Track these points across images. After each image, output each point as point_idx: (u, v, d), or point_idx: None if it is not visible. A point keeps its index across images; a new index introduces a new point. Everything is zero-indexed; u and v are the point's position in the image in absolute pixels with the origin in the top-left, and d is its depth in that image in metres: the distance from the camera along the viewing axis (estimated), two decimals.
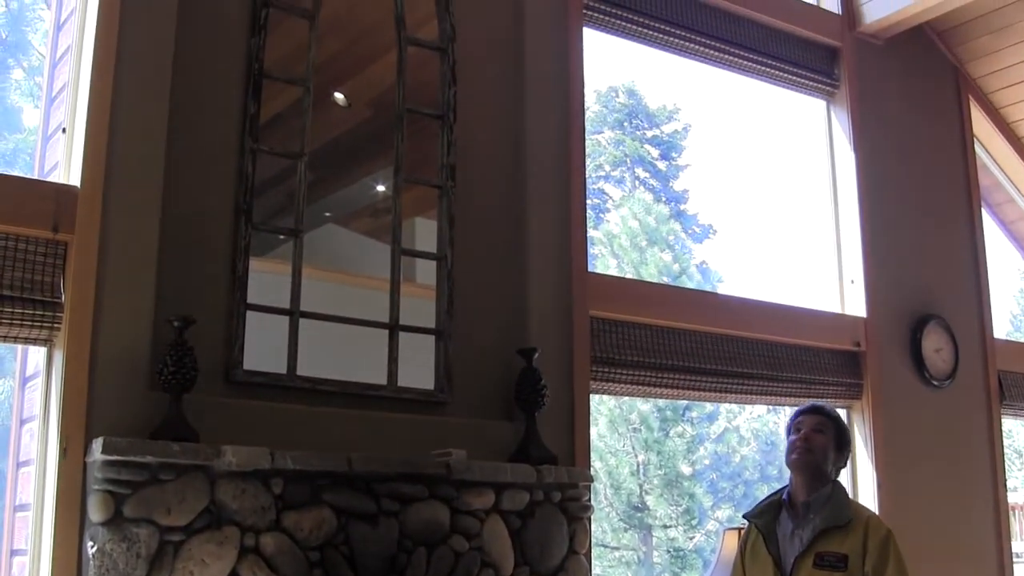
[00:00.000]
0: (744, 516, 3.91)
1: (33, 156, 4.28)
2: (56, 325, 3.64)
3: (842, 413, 5.95)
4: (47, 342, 3.69)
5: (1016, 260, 8.00)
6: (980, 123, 7.09)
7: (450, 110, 4.68)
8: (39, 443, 3.65)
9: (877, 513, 4.92)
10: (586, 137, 5.19)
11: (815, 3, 6.49)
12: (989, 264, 6.76)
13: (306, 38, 4.37)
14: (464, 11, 4.82)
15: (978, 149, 7.08)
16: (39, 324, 3.62)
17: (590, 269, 5.05)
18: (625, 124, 27.00)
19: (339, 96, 4.63)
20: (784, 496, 3.82)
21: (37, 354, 3.80)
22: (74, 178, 3.73)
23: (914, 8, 6.16)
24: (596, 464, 17.38)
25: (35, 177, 4.03)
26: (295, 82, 4.31)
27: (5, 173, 3.68)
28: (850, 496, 3.87)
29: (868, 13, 6.34)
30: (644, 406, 18.38)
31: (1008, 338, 11.07)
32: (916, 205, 6.46)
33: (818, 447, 3.73)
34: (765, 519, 3.80)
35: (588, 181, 5.15)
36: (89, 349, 3.60)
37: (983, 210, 6.95)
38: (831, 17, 6.40)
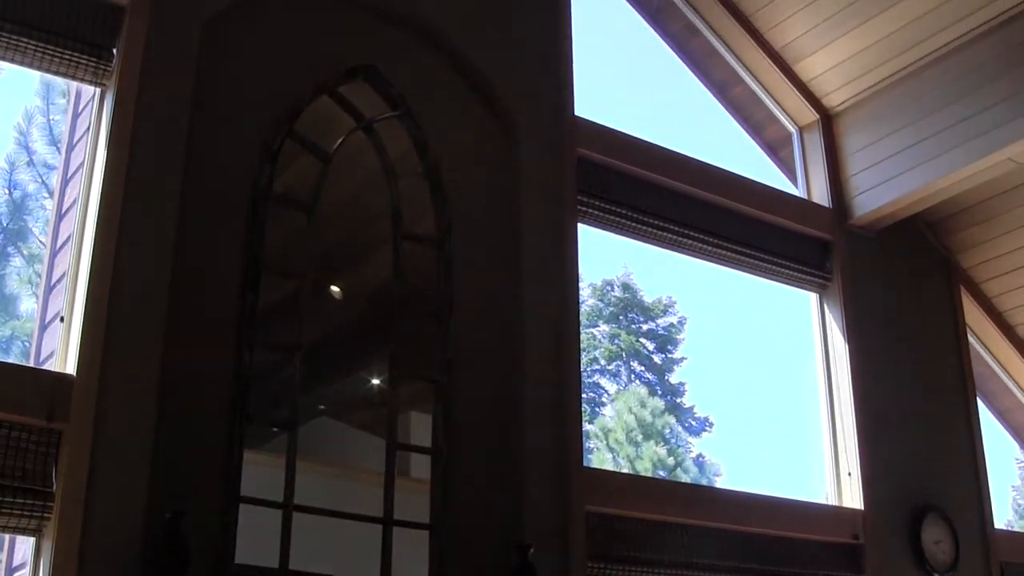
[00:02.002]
0: None
1: (30, 344, 4.30)
2: (46, 515, 3.58)
3: None
4: (36, 532, 3.63)
5: (1013, 449, 7.97)
6: (972, 313, 7.14)
7: (446, 304, 4.71)
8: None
9: None
10: (582, 331, 5.21)
11: (805, 197, 6.60)
12: (986, 454, 6.72)
13: (303, 229, 4.43)
14: (459, 206, 4.89)
15: (971, 338, 7.11)
16: (29, 514, 3.57)
17: (585, 464, 5.02)
18: (620, 318, 27.19)
19: (335, 289, 4.67)
20: None
21: (25, 544, 3.74)
22: (70, 367, 3.73)
23: (904, 200, 6.26)
24: None
25: (31, 365, 4.04)
26: (293, 275, 4.35)
27: (1, 360, 3.68)
28: None
29: (859, 206, 6.44)
30: None
31: (1009, 528, 10.96)
32: (911, 396, 6.46)
33: None
34: None
35: (584, 375, 5.15)
36: (79, 540, 3.54)
37: (978, 400, 6.94)
38: (822, 211, 6.49)
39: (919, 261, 6.92)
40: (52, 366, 3.87)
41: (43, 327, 4.18)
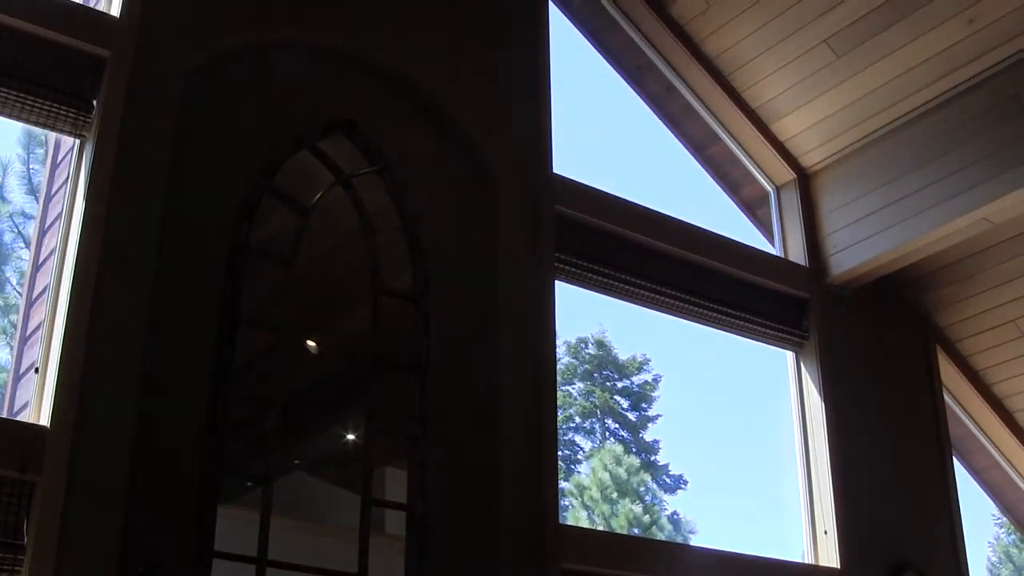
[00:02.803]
0: None
1: (3, 395, 4.27)
2: (17, 568, 3.54)
3: None
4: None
5: (988, 507, 7.98)
6: (948, 371, 7.16)
7: (423, 359, 4.70)
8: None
9: None
10: (557, 388, 5.21)
11: (782, 256, 6.62)
12: (962, 512, 6.72)
13: (281, 283, 4.42)
14: (437, 261, 4.90)
15: (947, 397, 7.13)
16: None
17: (560, 521, 4.99)
18: (595, 375, 27.20)
19: (311, 343, 4.66)
20: None
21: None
22: (44, 419, 3.70)
23: (880, 259, 6.29)
24: None
25: (4, 416, 4.01)
26: (270, 329, 4.34)
27: None
28: None
29: (835, 265, 6.47)
30: None
31: None
32: (888, 454, 6.46)
33: None
34: None
35: (559, 432, 5.14)
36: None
37: (954, 458, 6.94)
38: (799, 269, 6.51)
39: (895, 320, 6.94)
40: (26, 417, 3.84)
41: (17, 378, 4.15)
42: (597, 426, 26.51)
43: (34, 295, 4.26)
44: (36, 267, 4.34)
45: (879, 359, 6.69)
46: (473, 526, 4.66)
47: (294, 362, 4.44)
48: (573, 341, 27.03)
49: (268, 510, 4.12)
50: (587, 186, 5.73)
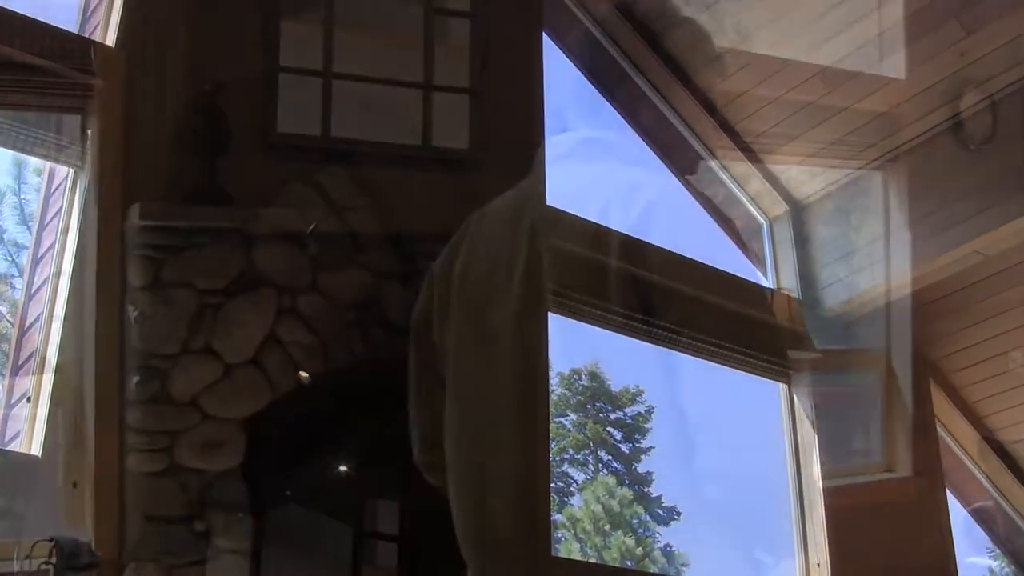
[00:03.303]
0: None
1: None
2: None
3: None
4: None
5: (982, 539, 7.97)
6: (941, 404, 7.15)
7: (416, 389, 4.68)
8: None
9: None
10: (551, 420, 5.20)
11: (775, 288, 6.62)
12: (956, 545, 6.71)
13: (276, 313, 4.41)
14: (431, 293, 4.88)
15: (940, 430, 7.11)
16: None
17: (554, 554, 4.97)
18: (588, 407, 27.10)
19: (303, 373, 4.65)
20: None
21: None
22: (36, 448, 3.70)
23: (872, 292, 6.29)
24: None
25: None
26: (263, 358, 4.33)
27: None
28: None
29: (828, 297, 6.47)
30: None
31: None
32: (880, 486, 6.44)
33: None
34: None
35: (552, 464, 5.13)
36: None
37: (947, 491, 6.93)
38: (791, 302, 6.50)
39: (887, 353, 6.93)
40: (17, 447, 3.83)
41: (9, 407, 4.14)
42: (590, 458, 26.41)
43: (27, 324, 4.25)
44: (29, 296, 4.33)
45: (871, 391, 6.68)
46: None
47: (287, 392, 4.43)
48: (566, 372, 27.00)
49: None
50: (580, 218, 5.73)
